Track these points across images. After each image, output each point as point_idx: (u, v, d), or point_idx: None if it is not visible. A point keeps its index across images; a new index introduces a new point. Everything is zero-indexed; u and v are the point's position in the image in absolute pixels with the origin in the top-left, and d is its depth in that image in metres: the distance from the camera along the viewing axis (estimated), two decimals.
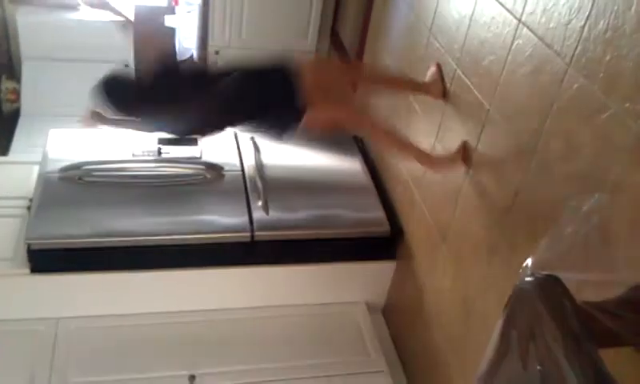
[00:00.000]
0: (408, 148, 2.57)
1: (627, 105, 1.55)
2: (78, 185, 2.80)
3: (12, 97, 4.36)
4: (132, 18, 4.25)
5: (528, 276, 1.18)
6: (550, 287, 1.13)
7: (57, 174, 2.82)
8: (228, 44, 4.10)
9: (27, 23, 4.17)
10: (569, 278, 1.16)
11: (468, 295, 2.35)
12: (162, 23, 4.27)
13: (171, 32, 4.30)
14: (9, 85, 4.35)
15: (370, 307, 3.10)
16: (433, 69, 2.59)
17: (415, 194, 2.81)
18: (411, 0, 2.94)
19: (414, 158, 2.54)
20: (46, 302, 2.70)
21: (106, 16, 4.32)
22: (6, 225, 2.75)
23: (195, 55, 4.25)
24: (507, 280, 2.04)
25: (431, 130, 2.66)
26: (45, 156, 2.95)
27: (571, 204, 1.28)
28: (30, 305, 2.69)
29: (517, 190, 2.03)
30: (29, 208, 2.73)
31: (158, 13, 4.33)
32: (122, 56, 4.37)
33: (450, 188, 2.48)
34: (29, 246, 2.57)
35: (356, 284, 3.06)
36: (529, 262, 1.22)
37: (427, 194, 2.71)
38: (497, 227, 2.15)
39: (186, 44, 4.29)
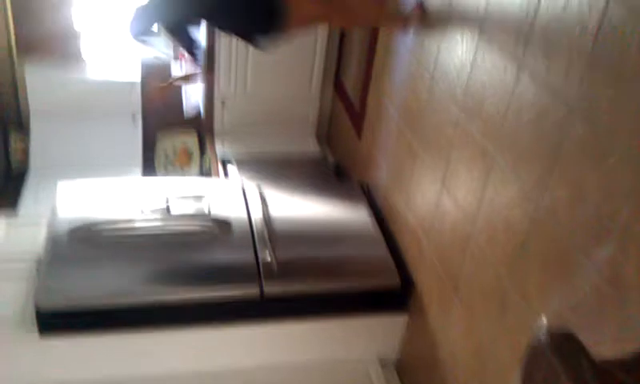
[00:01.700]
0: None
1: (633, 148, 1.54)
2: (86, 244, 2.80)
3: (21, 152, 4.42)
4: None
5: (543, 333, 1.15)
6: (566, 345, 1.11)
7: (66, 233, 2.82)
8: (234, 95, 4.16)
9: (36, 80, 4.25)
10: (584, 334, 1.13)
11: (482, 348, 2.31)
12: (169, 75, 4.34)
13: (177, 86, 4.37)
14: (18, 140, 4.42)
15: (383, 362, 3.03)
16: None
17: (424, 243, 2.79)
18: (412, 47, 2.98)
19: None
20: (55, 365, 2.66)
21: (113, 73, 4.40)
22: (14, 286, 2.72)
23: (202, 107, 4.31)
24: (521, 331, 2.00)
25: (436, 177, 2.66)
26: (54, 213, 2.95)
27: (582, 255, 1.26)
28: (38, 369, 2.65)
29: (525, 237, 2.01)
30: (37, 268, 2.73)
31: (165, 67, 4.41)
32: (129, 110, 4.45)
33: (459, 236, 2.46)
34: (37, 307, 2.55)
35: (367, 338, 3.00)
36: (543, 319, 1.20)
37: (436, 242, 2.69)
38: (508, 276, 2.12)
39: (193, 98, 4.36)
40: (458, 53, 2.49)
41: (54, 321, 2.56)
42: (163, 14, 2.73)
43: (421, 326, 2.84)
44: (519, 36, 2.05)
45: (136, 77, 4.39)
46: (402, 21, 2.95)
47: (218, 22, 2.78)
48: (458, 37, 2.50)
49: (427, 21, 2.80)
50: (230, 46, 3.93)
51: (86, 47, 4.33)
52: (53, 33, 4.22)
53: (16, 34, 4.18)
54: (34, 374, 2.66)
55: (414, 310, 2.93)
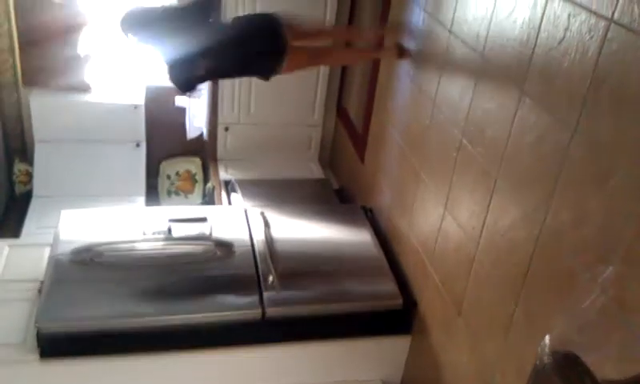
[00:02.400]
0: (366, 54, 3.48)
1: (635, 169, 1.55)
2: (89, 266, 2.80)
3: (24, 179, 4.44)
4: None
5: (547, 354, 1.14)
6: (570, 366, 1.10)
7: (68, 256, 2.82)
8: (237, 120, 4.18)
9: (40, 106, 4.29)
10: (588, 354, 1.12)
11: (486, 369, 2.28)
12: (173, 103, 4.37)
13: (181, 112, 4.40)
14: (21, 167, 4.44)
15: None
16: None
17: (427, 265, 2.78)
18: (414, 74, 3.00)
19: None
20: None
21: (117, 98, 4.43)
22: (16, 309, 2.72)
23: (205, 133, 4.33)
24: (525, 352, 1.99)
25: (440, 200, 2.66)
26: (56, 238, 2.96)
27: (587, 276, 1.25)
28: None
29: (529, 259, 2.00)
30: (39, 291, 2.72)
31: (169, 93, 4.44)
32: (133, 137, 4.47)
33: (463, 258, 2.45)
34: (38, 330, 2.54)
35: (371, 361, 2.98)
36: (547, 339, 1.19)
37: (440, 264, 2.68)
38: (511, 298, 2.10)
39: (197, 122, 4.38)
40: (460, 79, 2.51)
41: (56, 344, 2.55)
42: (198, 68, 2.83)
43: (424, 348, 2.82)
44: (520, 62, 2.07)
45: (140, 100, 4.42)
46: (395, 52, 3.19)
47: (233, 72, 3.15)
48: (460, 64, 2.52)
49: (407, 55, 3.09)
50: None
51: (91, 73, 4.37)
52: (57, 60, 4.26)
53: (21, 62, 4.22)
54: None
55: (417, 332, 2.91)
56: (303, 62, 3.05)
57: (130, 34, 2.79)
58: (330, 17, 3.91)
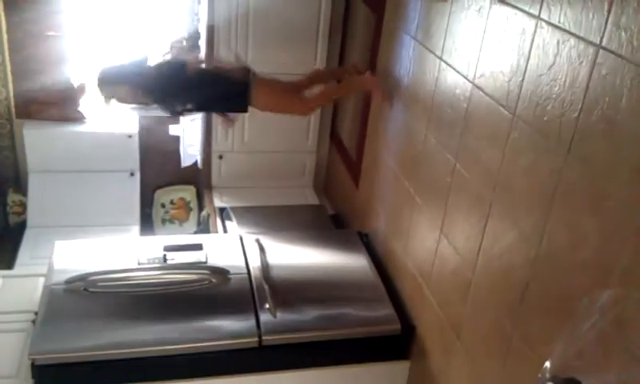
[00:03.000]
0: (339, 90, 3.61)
1: (629, 191, 1.56)
2: (83, 296, 2.78)
3: (18, 209, 4.43)
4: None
5: (547, 379, 1.14)
6: None
7: (62, 286, 2.80)
8: (231, 148, 4.20)
9: (33, 136, 4.29)
10: (589, 379, 1.12)
11: None
12: (167, 132, 4.39)
13: (175, 140, 4.42)
14: (15, 197, 4.43)
15: None
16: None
17: (424, 289, 2.78)
18: (406, 100, 3.04)
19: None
20: None
21: (111, 127, 4.44)
22: (10, 340, 2.69)
23: (199, 161, 4.34)
24: (525, 377, 1.98)
25: (435, 224, 2.67)
26: (50, 268, 2.94)
27: (585, 299, 1.26)
28: None
29: (526, 282, 2.01)
30: (34, 322, 2.70)
31: (162, 122, 4.46)
32: (127, 166, 4.48)
33: (460, 282, 2.45)
34: (33, 361, 2.51)
35: None
36: (547, 364, 1.19)
37: (437, 288, 2.68)
38: (510, 321, 2.10)
39: (191, 150, 4.39)
40: (452, 105, 2.54)
41: (50, 375, 2.52)
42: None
43: (424, 373, 2.80)
44: (511, 86, 2.10)
45: (134, 129, 4.43)
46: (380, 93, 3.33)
47: (199, 107, 3.28)
48: (451, 91, 2.55)
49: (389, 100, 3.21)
50: None
51: (85, 103, 4.39)
52: (51, 91, 4.28)
53: (15, 93, 4.24)
54: None
55: (416, 357, 2.90)
56: (276, 94, 3.11)
57: (106, 91, 2.93)
58: (319, 62, 4.00)
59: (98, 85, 2.90)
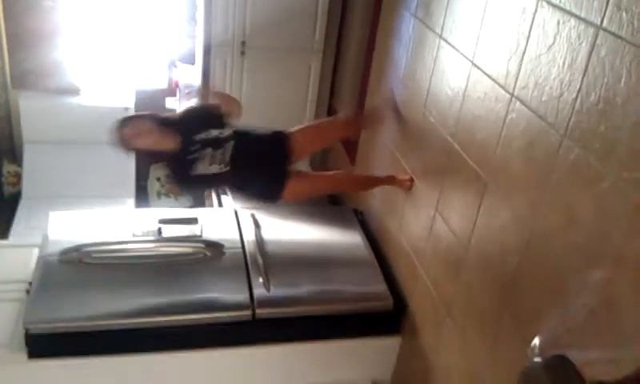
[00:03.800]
0: (375, 182, 3.19)
1: (625, 174, 1.57)
2: (77, 267, 2.78)
3: (13, 180, 4.40)
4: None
5: (536, 356, 1.15)
6: (559, 368, 1.11)
7: (56, 257, 2.80)
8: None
9: (29, 107, 4.25)
10: (578, 356, 1.13)
11: (476, 370, 2.30)
12: (163, 105, 4.36)
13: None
14: (10, 168, 4.40)
15: None
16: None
17: (418, 267, 2.79)
18: (404, 77, 3.02)
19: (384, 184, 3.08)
20: None
21: (106, 100, 4.41)
22: (4, 309, 2.70)
23: None
24: (515, 353, 2.00)
25: (431, 202, 2.67)
26: (45, 239, 2.94)
27: (576, 279, 1.27)
28: None
29: (519, 261, 2.02)
30: (28, 292, 2.70)
31: (159, 96, 4.43)
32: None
33: (453, 261, 2.47)
34: (27, 330, 2.53)
35: (361, 361, 2.99)
36: (536, 341, 1.20)
37: (430, 266, 2.70)
38: (501, 300, 2.12)
39: None
40: (450, 84, 2.53)
41: (44, 344, 2.53)
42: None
43: (414, 349, 2.83)
44: (510, 65, 2.09)
45: (130, 103, 4.40)
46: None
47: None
48: (450, 69, 2.54)
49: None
50: (224, 67, 3.97)
51: (81, 75, 4.35)
52: (47, 62, 4.24)
53: (10, 64, 4.19)
54: None
55: (407, 333, 2.92)
56: (306, 187, 2.94)
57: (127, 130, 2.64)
58: (318, 39, 3.99)
59: (120, 124, 2.65)
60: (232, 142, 2.68)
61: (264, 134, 2.85)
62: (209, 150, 2.62)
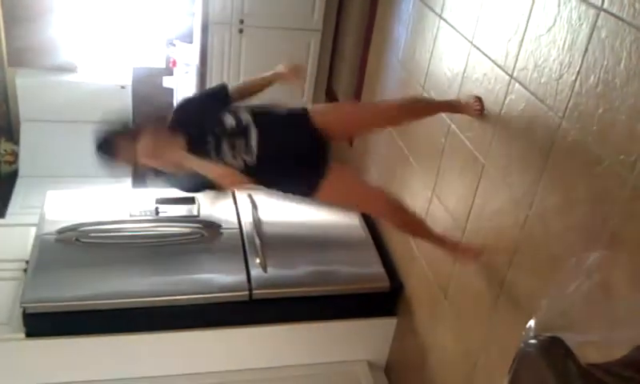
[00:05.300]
0: (428, 234, 2.40)
1: (622, 156, 1.56)
2: (75, 246, 2.79)
3: (10, 158, 4.39)
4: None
5: (531, 338, 1.16)
6: (553, 350, 1.11)
7: (54, 236, 2.81)
8: None
9: (26, 85, 4.22)
10: (572, 338, 1.13)
11: (471, 351, 2.31)
12: (160, 84, 4.33)
13: (169, 92, 4.36)
14: (7, 147, 4.38)
15: (372, 366, 3.03)
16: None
17: (415, 249, 2.79)
18: (403, 58, 3.00)
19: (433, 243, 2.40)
20: (41, 367, 2.64)
21: (104, 78, 4.38)
22: (2, 288, 2.71)
23: None
24: (510, 334, 2.01)
25: (428, 184, 2.67)
26: (42, 218, 2.94)
27: (572, 261, 1.26)
28: (25, 371, 2.63)
29: (515, 244, 2.02)
30: (25, 271, 2.71)
31: (156, 74, 4.40)
32: (120, 117, 4.41)
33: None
34: (24, 309, 2.54)
35: (357, 342, 3.01)
36: (531, 323, 1.20)
37: (427, 248, 2.69)
38: (497, 281, 2.13)
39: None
40: (450, 64, 2.51)
41: (41, 323, 2.55)
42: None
43: (410, 330, 2.85)
44: (510, 46, 2.07)
45: (127, 81, 4.37)
46: None
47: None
48: (449, 50, 2.52)
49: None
50: (222, 46, 3.94)
51: (78, 53, 4.32)
52: (44, 39, 4.20)
53: (7, 41, 4.16)
54: (21, 374, 2.63)
55: (403, 314, 2.94)
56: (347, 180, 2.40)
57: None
58: (317, 14, 3.92)
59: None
60: (254, 128, 2.22)
61: (290, 114, 2.40)
62: (224, 144, 2.18)
